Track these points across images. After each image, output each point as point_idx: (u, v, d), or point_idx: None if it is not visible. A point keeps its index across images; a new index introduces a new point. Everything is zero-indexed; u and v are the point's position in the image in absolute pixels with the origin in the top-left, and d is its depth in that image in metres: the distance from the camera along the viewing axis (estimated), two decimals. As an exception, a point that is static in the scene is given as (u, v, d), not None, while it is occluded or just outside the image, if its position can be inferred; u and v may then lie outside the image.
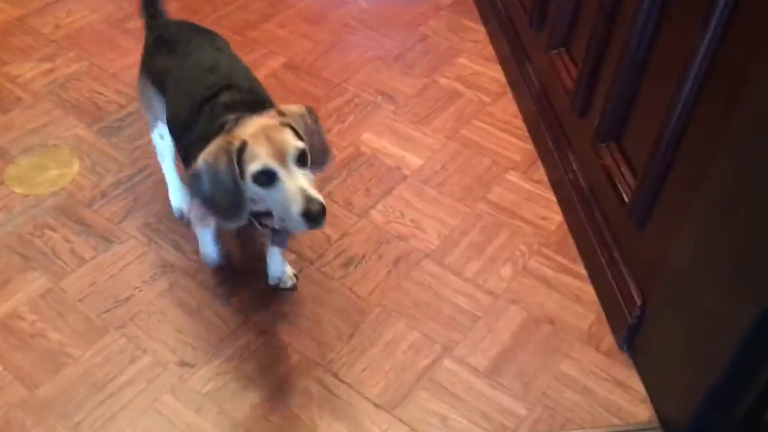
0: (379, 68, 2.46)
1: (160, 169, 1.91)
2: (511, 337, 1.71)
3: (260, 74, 2.14)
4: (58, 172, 2.02)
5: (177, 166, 1.86)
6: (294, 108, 1.43)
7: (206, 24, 2.57)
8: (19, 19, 2.56)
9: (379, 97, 2.34)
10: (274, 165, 1.32)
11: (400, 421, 1.54)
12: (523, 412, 1.57)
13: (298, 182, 1.32)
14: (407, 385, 1.60)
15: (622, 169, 1.68)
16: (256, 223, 1.51)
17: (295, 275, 1.77)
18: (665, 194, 1.52)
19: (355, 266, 1.84)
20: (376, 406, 1.56)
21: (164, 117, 1.67)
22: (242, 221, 1.41)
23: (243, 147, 1.33)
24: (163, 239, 1.87)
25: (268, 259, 1.74)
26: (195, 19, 2.58)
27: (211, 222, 1.63)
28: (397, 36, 2.60)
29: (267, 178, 1.32)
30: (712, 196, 1.34)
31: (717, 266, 1.35)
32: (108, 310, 1.71)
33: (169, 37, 1.69)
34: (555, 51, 2.05)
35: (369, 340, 1.69)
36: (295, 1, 2.73)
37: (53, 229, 1.88)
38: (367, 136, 2.20)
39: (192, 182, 1.38)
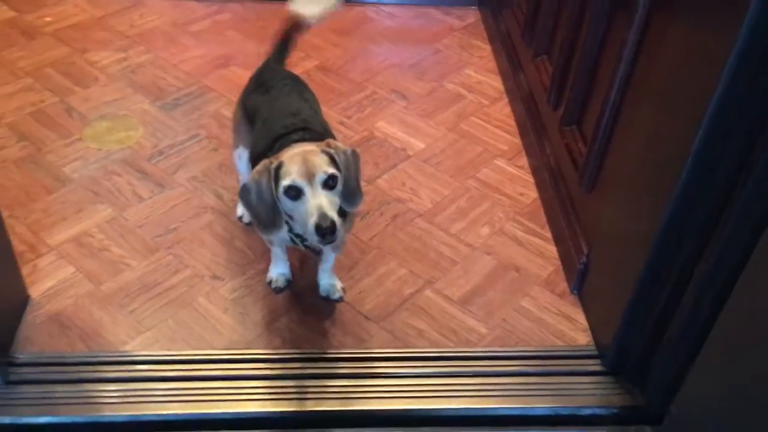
0: (396, 73, 2.90)
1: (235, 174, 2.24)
2: (483, 279, 2.08)
3: (295, 72, 2.58)
4: (126, 134, 2.48)
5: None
6: (340, 144, 1.65)
7: (253, 31, 3.06)
8: (99, 18, 3.07)
9: (394, 95, 2.77)
10: (300, 182, 1.53)
11: (384, 330, 1.92)
12: (484, 331, 1.94)
13: (318, 200, 1.52)
14: (393, 306, 1.99)
15: (579, 145, 2.07)
16: (299, 244, 1.73)
17: (342, 289, 1.99)
18: (606, 166, 1.91)
19: (361, 218, 2.24)
20: (366, 318, 1.95)
21: (246, 143, 1.93)
22: (279, 232, 1.64)
23: (280, 166, 1.55)
24: (206, 189, 2.30)
25: (319, 274, 1.97)
26: (244, 28, 3.09)
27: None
28: (414, 49, 3.05)
29: (294, 192, 1.54)
30: (625, 171, 1.74)
31: (629, 229, 1.74)
32: (159, 235, 2.13)
33: (270, 81, 1.93)
34: (539, 58, 2.46)
35: (365, 272, 2.08)
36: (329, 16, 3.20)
37: (119, 175, 2.32)
38: (381, 124, 2.63)
39: (242, 194, 1.63)
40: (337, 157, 1.61)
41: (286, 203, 1.59)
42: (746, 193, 1.38)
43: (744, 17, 1.25)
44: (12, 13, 3.06)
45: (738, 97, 1.34)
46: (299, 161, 1.56)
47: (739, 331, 1.42)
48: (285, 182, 1.54)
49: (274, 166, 1.57)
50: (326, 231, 1.51)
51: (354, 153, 1.67)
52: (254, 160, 1.81)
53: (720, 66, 1.31)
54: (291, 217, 1.64)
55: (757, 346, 1.35)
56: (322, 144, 1.63)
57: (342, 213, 1.62)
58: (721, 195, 1.44)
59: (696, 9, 1.44)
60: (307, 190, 1.54)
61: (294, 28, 2.09)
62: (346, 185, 1.62)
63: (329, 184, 1.55)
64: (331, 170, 1.56)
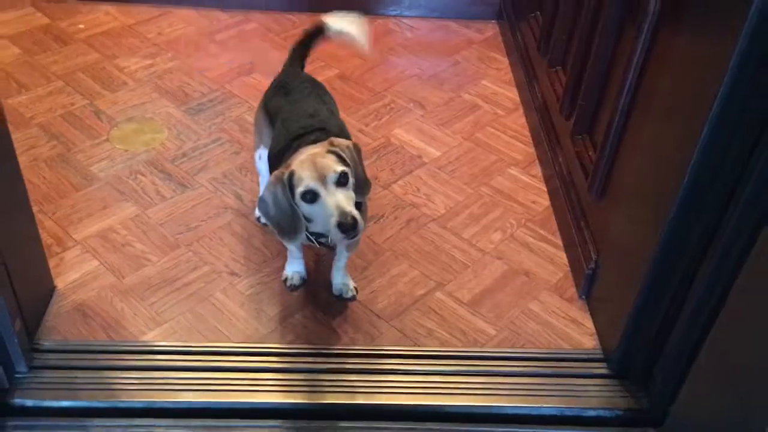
0: (415, 83, 2.96)
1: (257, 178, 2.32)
2: (493, 282, 2.13)
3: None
4: (151, 136, 2.57)
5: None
6: (342, 140, 1.73)
7: (277, 41, 3.15)
8: (130, 26, 3.18)
9: (412, 104, 2.83)
10: (315, 185, 1.60)
11: (395, 328, 1.97)
12: (493, 332, 1.98)
13: (335, 199, 1.60)
14: (404, 306, 2.04)
15: (590, 153, 2.11)
16: (314, 242, 1.80)
17: (355, 288, 2.04)
18: (615, 174, 1.95)
19: (375, 222, 2.30)
20: (378, 316, 2.00)
21: (267, 143, 1.99)
22: (301, 237, 1.71)
23: (292, 174, 1.63)
24: (226, 189, 2.38)
25: (332, 273, 2.02)
26: (269, 37, 3.18)
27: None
28: (433, 60, 3.11)
29: (311, 196, 1.61)
30: (631, 179, 1.79)
31: (635, 236, 1.78)
32: (180, 233, 2.21)
33: (290, 84, 2.01)
34: (554, 69, 2.52)
35: (378, 272, 2.13)
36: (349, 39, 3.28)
37: (144, 175, 2.41)
38: (398, 132, 2.69)
39: (261, 206, 1.72)
40: (343, 154, 1.68)
41: (304, 208, 1.66)
42: (744, 202, 1.42)
43: (742, 30, 1.30)
44: (46, 20, 3.18)
45: (737, 108, 1.38)
46: (309, 166, 1.63)
47: (734, 335, 1.46)
48: (300, 189, 1.62)
49: (286, 175, 1.64)
50: (349, 227, 1.59)
51: (355, 146, 1.76)
52: (272, 159, 1.89)
53: (720, 77, 1.36)
54: (310, 221, 1.70)
55: (751, 350, 1.39)
56: (326, 144, 1.70)
57: (357, 207, 1.67)
58: (721, 204, 1.48)
59: (699, 21, 1.49)
60: (321, 191, 1.62)
61: (315, 33, 2.17)
62: (355, 177, 1.69)
63: (341, 181, 1.62)
64: (341, 168, 1.63)
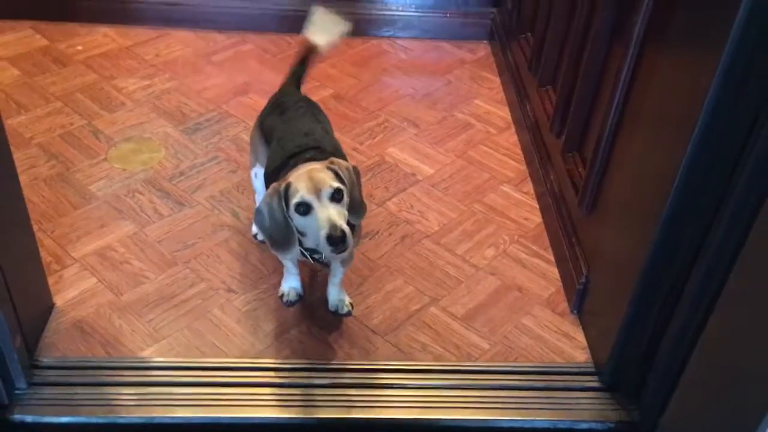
0: (408, 103, 3.01)
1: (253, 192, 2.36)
2: (486, 297, 2.16)
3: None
4: (149, 156, 2.60)
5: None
6: (342, 161, 1.77)
7: (273, 62, 3.20)
8: (127, 47, 3.23)
9: (405, 123, 2.88)
10: (309, 197, 1.64)
11: (390, 343, 2.00)
12: (486, 346, 2.01)
13: (327, 213, 1.63)
14: (399, 321, 2.07)
15: (580, 170, 2.16)
16: (309, 258, 1.84)
17: (351, 304, 2.08)
18: (604, 189, 1.99)
19: (370, 238, 2.33)
20: (373, 332, 2.03)
21: (263, 162, 2.03)
22: (293, 250, 1.74)
23: (288, 186, 1.67)
24: (223, 207, 2.41)
25: (328, 289, 2.06)
26: (265, 58, 3.23)
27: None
28: (426, 80, 3.17)
29: (304, 208, 1.65)
30: (619, 194, 1.84)
31: (623, 251, 1.82)
32: (178, 250, 2.24)
33: (286, 104, 2.05)
34: (544, 88, 2.57)
35: (374, 288, 2.17)
36: (346, 48, 3.33)
37: (141, 194, 2.44)
38: (392, 150, 2.74)
39: (256, 217, 1.75)
40: (341, 173, 1.73)
41: (297, 220, 1.70)
42: (731, 213, 1.46)
43: (723, 49, 1.34)
44: (45, 42, 3.23)
45: (722, 121, 1.43)
46: (306, 179, 1.67)
47: (722, 347, 1.49)
48: (295, 200, 1.66)
49: (282, 187, 1.68)
50: (337, 240, 1.62)
51: (355, 168, 1.80)
52: (268, 177, 1.93)
53: (705, 90, 1.41)
54: (303, 234, 1.74)
55: (738, 361, 1.42)
56: (326, 162, 1.75)
57: (350, 226, 1.71)
58: (707, 218, 1.52)
59: (682, 41, 1.54)
60: (315, 204, 1.66)
61: (308, 53, 2.22)
62: (351, 198, 1.74)
63: (336, 197, 1.67)
64: (336, 184, 1.67)
